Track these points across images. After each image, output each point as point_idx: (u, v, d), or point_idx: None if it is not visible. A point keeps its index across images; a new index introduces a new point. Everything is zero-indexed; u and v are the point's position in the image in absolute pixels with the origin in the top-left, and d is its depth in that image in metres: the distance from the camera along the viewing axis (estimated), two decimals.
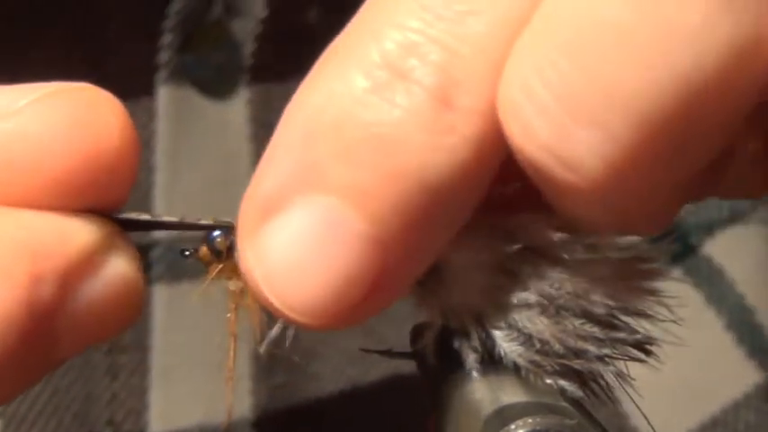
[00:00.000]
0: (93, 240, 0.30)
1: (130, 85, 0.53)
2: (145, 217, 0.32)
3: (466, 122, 0.28)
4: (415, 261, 0.30)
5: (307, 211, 0.29)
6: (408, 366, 0.35)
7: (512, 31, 0.28)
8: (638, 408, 0.33)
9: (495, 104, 0.28)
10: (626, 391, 0.32)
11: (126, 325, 0.32)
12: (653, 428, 0.36)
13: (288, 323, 0.31)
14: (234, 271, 0.32)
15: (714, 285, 0.57)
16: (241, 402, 0.54)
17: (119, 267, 0.31)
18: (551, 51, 0.27)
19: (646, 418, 0.35)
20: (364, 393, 0.56)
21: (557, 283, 0.31)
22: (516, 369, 0.31)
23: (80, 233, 0.30)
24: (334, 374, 0.56)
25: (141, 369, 0.53)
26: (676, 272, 0.56)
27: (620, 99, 0.26)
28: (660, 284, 0.31)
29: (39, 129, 0.30)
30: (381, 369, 0.56)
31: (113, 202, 0.31)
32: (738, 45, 0.26)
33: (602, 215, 0.29)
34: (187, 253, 0.33)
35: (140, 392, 0.53)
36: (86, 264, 0.30)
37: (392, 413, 0.57)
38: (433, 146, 0.28)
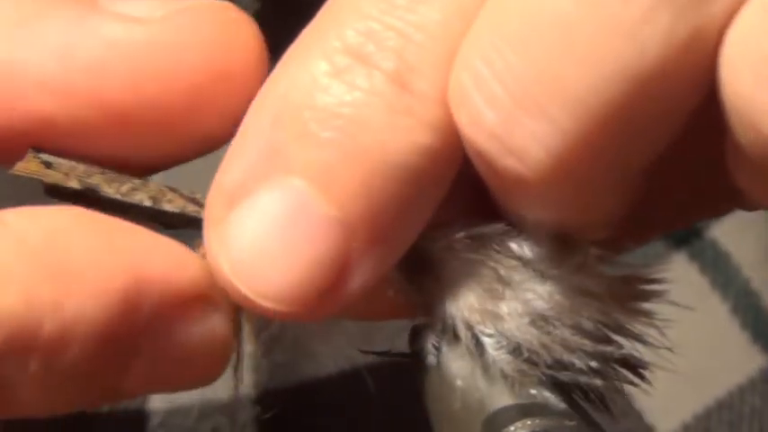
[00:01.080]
0: (202, 282, 0.30)
1: None
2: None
3: (423, 107, 0.29)
4: (383, 247, 0.30)
5: (272, 195, 0.29)
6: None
7: (465, 19, 0.29)
8: (634, 411, 0.33)
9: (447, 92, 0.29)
10: (618, 401, 0.32)
11: (198, 384, 0.32)
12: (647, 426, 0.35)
13: (257, 314, 0.31)
14: None
15: (719, 269, 0.57)
16: (242, 379, 0.54)
17: (215, 323, 0.31)
18: (499, 41, 0.28)
19: (642, 415, 0.34)
20: (365, 373, 0.56)
21: (547, 294, 0.31)
22: (504, 377, 0.31)
23: (197, 272, 0.30)
24: (335, 354, 0.56)
25: None
26: (681, 256, 0.56)
27: (565, 91, 0.27)
28: (653, 307, 0.31)
29: (173, 40, 0.31)
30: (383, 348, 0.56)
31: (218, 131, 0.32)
32: (679, 38, 0.26)
33: (545, 210, 0.30)
34: None
35: None
36: (189, 304, 0.30)
37: (393, 393, 0.56)
38: (393, 126, 0.29)
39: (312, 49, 0.29)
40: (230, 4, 0.32)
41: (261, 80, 0.31)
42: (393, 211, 0.29)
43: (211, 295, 0.31)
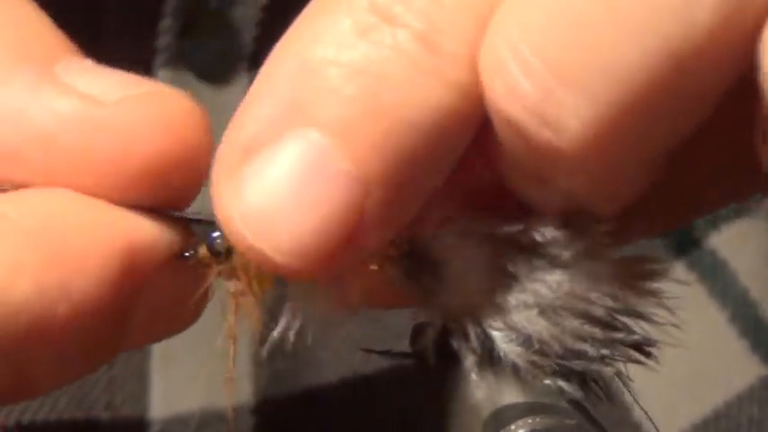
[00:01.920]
0: (179, 242, 0.32)
1: (129, 70, 0.52)
2: None
3: (449, 67, 0.29)
4: (397, 206, 0.30)
5: (291, 147, 0.29)
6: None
7: None
8: (638, 404, 0.33)
9: (477, 59, 0.28)
10: (626, 389, 0.32)
11: (183, 327, 0.33)
12: (654, 424, 0.35)
13: (266, 269, 0.31)
14: (234, 272, 0.32)
15: (718, 278, 0.57)
16: (241, 388, 0.54)
17: (191, 274, 0.32)
18: (538, 10, 0.27)
19: (646, 413, 0.34)
20: (365, 380, 0.56)
21: (555, 284, 0.31)
22: (516, 370, 0.31)
23: (170, 234, 0.32)
24: (335, 361, 0.56)
25: (141, 352, 0.53)
26: (680, 264, 0.56)
27: (606, 65, 0.27)
28: (661, 285, 0.31)
29: (128, 123, 0.31)
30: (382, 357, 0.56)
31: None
32: (721, 14, 0.26)
33: (573, 183, 0.30)
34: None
35: (140, 376, 0.53)
36: (171, 262, 0.31)
37: (393, 400, 0.56)
38: (417, 85, 0.29)
39: (337, 6, 0.29)
40: (182, 93, 0.32)
41: (206, 169, 0.31)
42: (409, 170, 0.29)
43: (186, 250, 0.32)
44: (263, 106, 0.29)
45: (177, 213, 0.32)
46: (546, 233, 0.31)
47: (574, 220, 0.31)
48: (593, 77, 0.27)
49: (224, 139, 0.30)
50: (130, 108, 0.31)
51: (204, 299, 0.33)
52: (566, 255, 0.31)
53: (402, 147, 0.29)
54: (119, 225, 0.30)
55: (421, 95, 0.29)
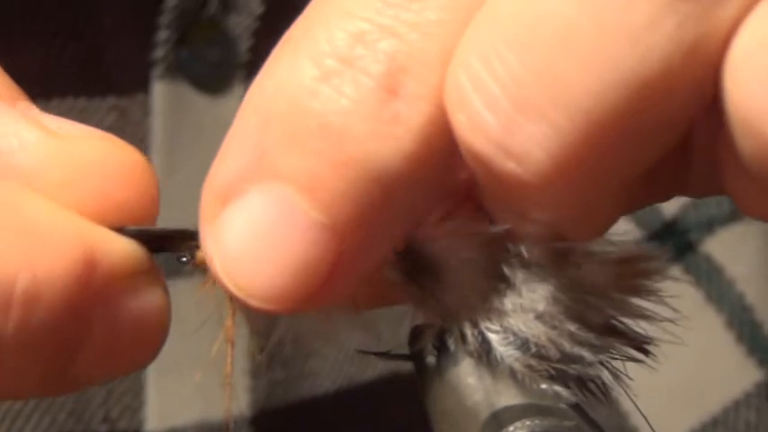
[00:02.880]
0: (142, 260, 0.31)
1: (125, 81, 0.53)
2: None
3: (411, 110, 0.28)
4: (372, 248, 0.30)
5: (260, 198, 0.29)
6: (406, 365, 0.35)
7: (462, 18, 0.28)
8: (638, 409, 0.33)
9: (442, 93, 0.28)
10: (625, 393, 0.32)
11: (145, 361, 0.33)
12: (652, 429, 0.35)
13: (247, 308, 0.31)
14: None
15: (714, 283, 0.57)
16: (238, 399, 0.54)
17: (155, 297, 0.32)
18: (499, 43, 0.27)
19: (645, 418, 0.34)
20: (362, 391, 0.56)
21: (549, 294, 0.31)
22: (513, 373, 0.31)
23: (134, 249, 0.31)
24: (332, 372, 0.56)
25: None
26: (675, 270, 0.56)
27: (566, 95, 0.27)
28: (660, 284, 0.31)
29: (85, 155, 0.31)
30: (379, 367, 0.56)
31: None
32: (683, 45, 0.26)
33: (544, 214, 0.29)
34: (184, 259, 0.33)
35: (136, 389, 0.53)
36: (130, 280, 0.31)
37: (389, 410, 0.56)
38: (378, 135, 0.28)
39: (300, 50, 0.29)
40: (131, 149, 0.32)
41: (153, 215, 0.32)
42: (381, 215, 0.29)
43: (151, 271, 0.32)
44: (235, 154, 0.29)
45: (147, 228, 0.32)
46: (533, 249, 0.31)
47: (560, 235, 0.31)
48: (555, 108, 0.27)
49: (206, 181, 0.30)
50: (88, 146, 0.31)
51: (162, 338, 0.32)
52: (555, 271, 0.31)
53: (371, 194, 0.29)
54: (82, 226, 0.30)
55: (386, 145, 0.28)
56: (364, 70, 0.28)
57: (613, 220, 0.31)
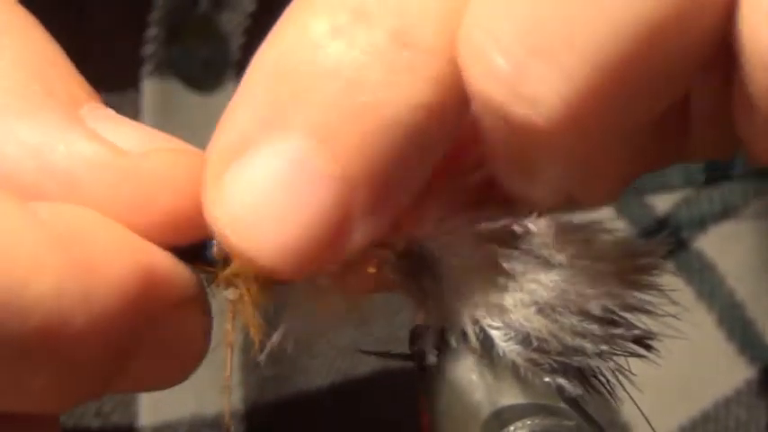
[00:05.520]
0: (194, 286, 0.31)
1: (116, 78, 0.52)
2: None
3: (423, 62, 0.29)
4: (383, 203, 0.30)
5: (272, 152, 0.29)
6: (398, 361, 0.35)
7: None
8: (638, 409, 0.33)
9: (455, 45, 0.28)
10: (624, 389, 0.32)
11: (181, 378, 0.32)
12: (651, 427, 0.35)
13: (255, 271, 0.31)
14: (231, 280, 0.32)
15: (705, 281, 0.57)
16: (231, 395, 0.54)
17: (201, 321, 0.32)
18: None
19: (646, 418, 0.35)
20: (354, 386, 0.56)
21: (552, 282, 0.31)
22: (515, 368, 0.31)
23: (187, 273, 0.31)
24: (324, 367, 0.56)
25: None
26: (667, 267, 0.56)
27: (576, 37, 0.27)
28: (658, 278, 0.31)
29: (151, 176, 0.30)
30: (371, 363, 0.56)
31: None
32: None
33: (555, 167, 0.30)
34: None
35: None
36: (181, 303, 0.31)
37: (381, 406, 0.56)
38: (392, 84, 0.28)
39: (311, 6, 0.29)
40: (200, 154, 0.31)
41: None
42: (393, 168, 0.29)
43: (197, 298, 0.31)
44: (244, 112, 0.29)
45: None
46: (537, 237, 0.31)
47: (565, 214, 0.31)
48: (566, 51, 0.27)
49: (211, 141, 0.30)
50: (155, 161, 0.31)
51: (196, 361, 0.32)
52: (558, 257, 0.31)
53: (384, 145, 0.29)
54: (142, 248, 0.30)
55: (398, 94, 0.29)
56: (376, 24, 0.29)
57: (620, 187, 0.31)
